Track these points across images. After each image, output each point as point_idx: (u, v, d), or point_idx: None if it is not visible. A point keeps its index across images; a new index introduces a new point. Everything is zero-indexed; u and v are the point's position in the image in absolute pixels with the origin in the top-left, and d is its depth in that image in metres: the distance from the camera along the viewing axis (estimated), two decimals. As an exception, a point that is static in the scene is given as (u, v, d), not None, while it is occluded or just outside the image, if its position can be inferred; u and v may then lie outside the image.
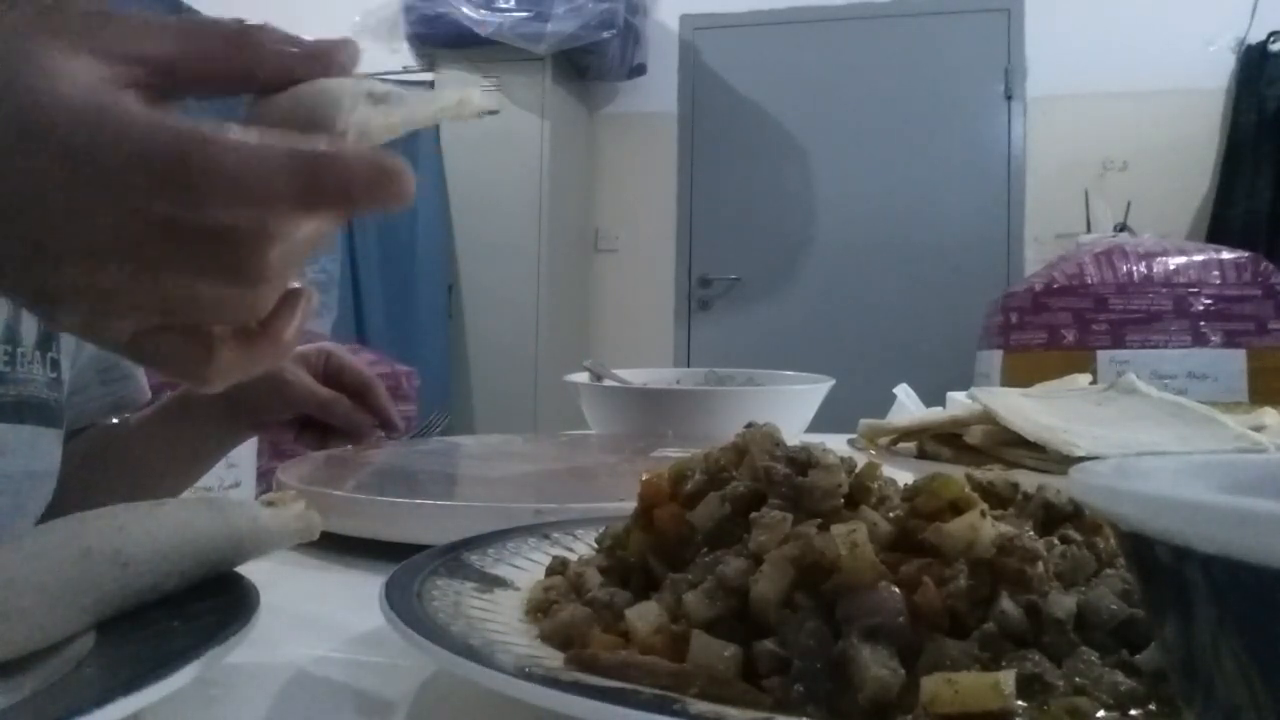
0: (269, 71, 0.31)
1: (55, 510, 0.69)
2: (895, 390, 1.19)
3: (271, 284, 0.31)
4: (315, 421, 0.75)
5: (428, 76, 3.72)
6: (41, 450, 0.65)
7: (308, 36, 0.32)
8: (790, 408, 1.04)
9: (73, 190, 0.28)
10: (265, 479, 1.66)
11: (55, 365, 0.67)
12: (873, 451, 0.84)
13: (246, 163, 0.28)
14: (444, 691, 0.35)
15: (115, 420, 0.78)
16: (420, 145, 3.66)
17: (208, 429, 0.75)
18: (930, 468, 0.56)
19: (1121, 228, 3.05)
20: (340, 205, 0.30)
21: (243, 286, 0.31)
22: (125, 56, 0.29)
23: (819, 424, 1.07)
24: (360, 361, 0.77)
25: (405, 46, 3.66)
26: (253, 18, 0.31)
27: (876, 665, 0.27)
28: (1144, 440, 0.70)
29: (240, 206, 0.28)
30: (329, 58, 0.32)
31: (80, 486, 0.71)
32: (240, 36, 0.30)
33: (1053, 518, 0.36)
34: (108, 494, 0.71)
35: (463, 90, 0.36)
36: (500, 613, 0.36)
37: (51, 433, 0.66)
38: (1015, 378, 1.87)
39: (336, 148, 0.30)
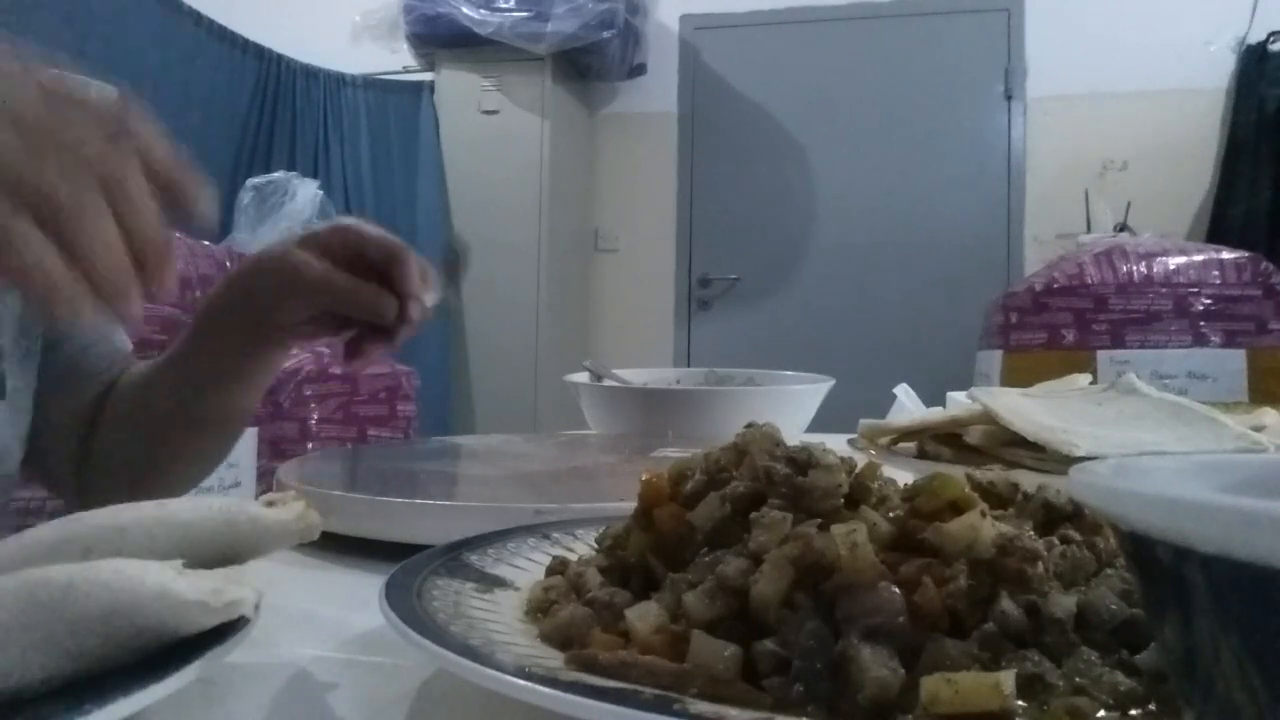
0: None
1: (109, 461, 0.69)
2: (895, 390, 1.19)
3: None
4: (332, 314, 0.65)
5: (428, 76, 3.72)
6: None
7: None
8: (790, 408, 1.03)
9: None
10: (265, 479, 1.66)
11: None
12: (873, 451, 0.83)
13: None
14: (444, 691, 0.35)
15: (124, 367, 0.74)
16: (420, 145, 3.66)
17: (235, 342, 0.67)
18: (930, 468, 0.56)
19: (1121, 228, 3.05)
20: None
21: None
22: None
23: (819, 424, 1.07)
24: (383, 231, 0.65)
25: (405, 46, 3.66)
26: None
27: (876, 665, 0.27)
28: (1144, 440, 0.70)
29: None
30: None
31: (128, 435, 0.69)
32: None
33: (1053, 518, 0.36)
34: (163, 434, 0.70)
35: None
36: (500, 613, 0.36)
37: None
38: (1015, 378, 1.87)
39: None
